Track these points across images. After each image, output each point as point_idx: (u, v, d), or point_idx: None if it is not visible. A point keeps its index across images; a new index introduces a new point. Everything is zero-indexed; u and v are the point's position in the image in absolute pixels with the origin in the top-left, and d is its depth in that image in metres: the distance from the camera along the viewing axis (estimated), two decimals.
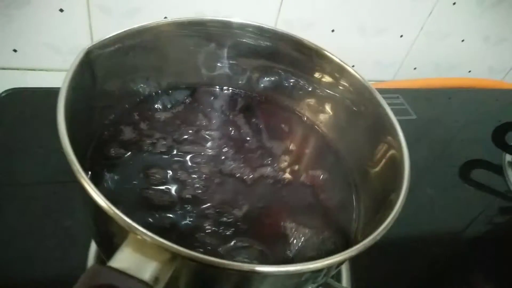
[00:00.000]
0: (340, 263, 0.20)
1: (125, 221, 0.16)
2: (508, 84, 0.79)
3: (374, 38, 0.64)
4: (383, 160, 0.27)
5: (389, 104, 0.59)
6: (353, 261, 0.37)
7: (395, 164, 0.25)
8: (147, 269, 0.16)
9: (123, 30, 0.26)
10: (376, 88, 0.65)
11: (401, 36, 0.65)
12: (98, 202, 0.17)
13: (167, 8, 0.52)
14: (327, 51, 0.29)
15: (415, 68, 0.72)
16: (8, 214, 0.34)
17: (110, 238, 0.19)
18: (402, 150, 0.25)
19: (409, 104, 0.60)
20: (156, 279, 0.16)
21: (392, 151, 0.26)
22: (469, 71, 0.77)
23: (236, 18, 0.29)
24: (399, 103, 0.59)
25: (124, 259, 0.16)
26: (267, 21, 0.57)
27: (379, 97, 0.28)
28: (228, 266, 0.16)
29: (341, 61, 0.29)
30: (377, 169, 0.27)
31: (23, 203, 0.35)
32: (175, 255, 0.16)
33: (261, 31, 0.29)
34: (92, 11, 0.50)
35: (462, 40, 0.70)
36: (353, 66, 0.69)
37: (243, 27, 0.28)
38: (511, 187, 0.52)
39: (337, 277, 0.35)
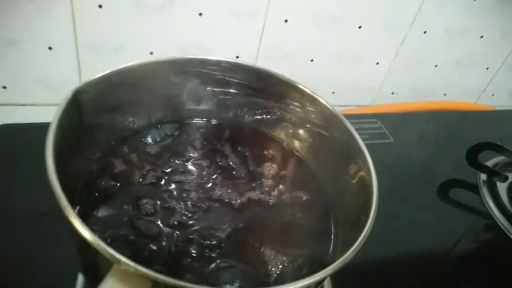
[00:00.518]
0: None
1: (108, 252, 0.18)
2: (482, 106, 0.83)
3: (352, 66, 0.68)
4: (355, 183, 0.29)
5: (367, 129, 0.62)
6: (337, 284, 0.38)
7: (365, 186, 0.27)
8: None
9: (109, 71, 0.28)
10: (355, 114, 0.68)
11: (377, 63, 0.69)
12: (83, 235, 0.18)
13: (151, 43, 0.54)
14: (299, 84, 0.32)
15: (392, 93, 0.75)
16: None
17: (96, 269, 0.20)
18: (370, 172, 0.27)
19: (386, 128, 0.63)
20: None
21: (361, 173, 0.28)
22: (445, 94, 0.81)
23: (214, 56, 0.31)
24: (377, 127, 0.62)
25: None
26: (249, 52, 0.60)
27: (347, 123, 0.30)
28: None
29: (312, 92, 0.31)
30: (350, 191, 0.29)
31: (12, 236, 0.36)
32: (156, 283, 0.18)
33: (237, 67, 0.31)
34: (80, 49, 0.52)
35: (436, 66, 0.74)
36: (333, 92, 0.73)
37: (219, 63, 0.31)
38: (486, 204, 0.54)
39: None
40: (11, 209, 0.38)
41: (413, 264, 0.46)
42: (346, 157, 0.30)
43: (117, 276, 0.18)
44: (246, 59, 0.60)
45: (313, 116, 0.32)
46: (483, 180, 0.57)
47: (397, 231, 0.48)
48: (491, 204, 0.54)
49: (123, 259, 0.18)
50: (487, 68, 0.79)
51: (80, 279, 0.32)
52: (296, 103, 0.33)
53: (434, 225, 0.51)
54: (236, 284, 0.24)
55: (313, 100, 0.31)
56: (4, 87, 0.52)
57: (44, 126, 0.23)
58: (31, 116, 0.52)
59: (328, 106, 0.31)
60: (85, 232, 0.18)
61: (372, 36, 0.64)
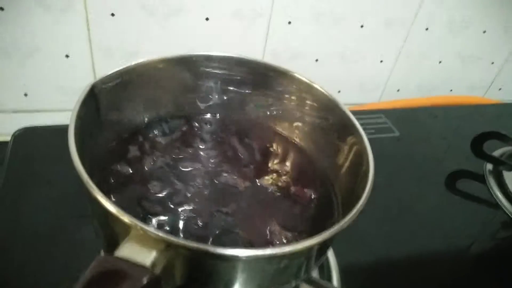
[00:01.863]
0: (309, 251, 0.23)
1: (128, 217, 0.20)
2: (489, 100, 0.83)
3: (356, 64, 0.69)
4: (351, 156, 0.30)
5: (373, 124, 0.63)
6: (346, 271, 0.40)
7: (360, 155, 0.28)
8: (146, 257, 0.19)
9: (121, 68, 0.30)
10: (360, 110, 0.69)
11: (381, 61, 0.71)
12: (103, 204, 0.20)
13: (162, 48, 0.57)
14: (295, 72, 0.34)
15: (398, 90, 0.77)
16: (17, 249, 0.37)
17: (116, 239, 0.22)
18: (364, 142, 0.28)
19: (392, 122, 0.64)
20: (154, 264, 0.19)
21: (356, 147, 0.30)
22: (451, 90, 0.81)
23: (216, 51, 0.33)
24: (382, 122, 0.63)
25: (127, 249, 0.20)
26: (255, 54, 0.63)
27: (341, 104, 0.32)
28: (211, 251, 0.19)
29: (309, 80, 0.33)
30: (346, 168, 0.31)
31: (33, 239, 0.38)
32: (168, 244, 0.20)
33: (239, 62, 0.33)
34: (95, 56, 0.55)
35: (440, 62, 0.75)
36: (339, 91, 0.74)
37: (222, 59, 0.33)
38: (493, 194, 0.54)
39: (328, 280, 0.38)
40: (35, 208, 0.41)
41: (424, 258, 0.46)
42: (342, 138, 0.32)
43: (135, 239, 0.20)
44: None
45: (310, 103, 0.34)
46: (489, 170, 0.58)
47: (406, 225, 0.49)
48: (498, 193, 0.54)
49: (140, 223, 0.20)
50: (492, 63, 0.79)
51: None
52: (294, 93, 0.35)
53: (443, 217, 0.51)
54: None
55: (310, 88, 0.33)
56: (26, 95, 0.56)
57: (62, 128, 0.25)
58: (50, 122, 0.55)
59: (324, 91, 0.33)
60: (105, 202, 0.20)
61: (374, 34, 0.66)
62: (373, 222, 0.48)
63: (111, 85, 0.30)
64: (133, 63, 0.30)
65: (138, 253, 0.19)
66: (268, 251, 0.20)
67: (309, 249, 0.21)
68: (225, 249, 0.20)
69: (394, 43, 0.69)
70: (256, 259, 0.21)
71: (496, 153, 0.60)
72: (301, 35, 0.63)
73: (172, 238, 0.20)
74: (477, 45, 0.75)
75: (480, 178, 0.57)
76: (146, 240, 0.20)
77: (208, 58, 0.33)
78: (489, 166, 0.58)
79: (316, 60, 0.67)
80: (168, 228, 0.27)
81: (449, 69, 0.77)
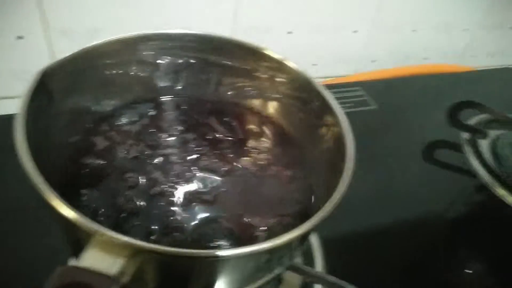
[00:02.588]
0: (293, 242, 0.21)
1: (85, 223, 0.18)
2: (463, 67, 0.83)
3: (330, 36, 0.67)
4: (328, 139, 0.29)
5: (350, 97, 0.62)
6: (328, 249, 0.39)
7: (339, 139, 0.27)
8: (112, 265, 0.17)
9: (76, 51, 0.27)
10: (337, 83, 0.67)
11: (355, 31, 0.69)
12: (58, 210, 0.18)
13: (125, 26, 0.53)
14: (265, 49, 0.32)
15: (373, 61, 0.76)
16: None
17: (80, 243, 0.20)
18: (341, 123, 0.27)
19: (369, 95, 0.63)
20: (122, 273, 0.18)
21: (334, 128, 0.28)
22: (425, 59, 0.81)
23: (179, 29, 0.30)
24: (359, 95, 0.62)
25: (89, 258, 0.18)
26: (224, 31, 0.60)
27: (314, 82, 0.30)
28: (185, 254, 0.18)
29: (280, 56, 0.31)
30: (326, 148, 0.30)
31: None
32: (136, 249, 0.18)
33: (205, 39, 0.31)
34: (52, 36, 0.51)
35: (414, 30, 0.74)
36: (314, 64, 0.72)
37: (184, 37, 0.30)
38: (469, 163, 0.55)
39: (309, 265, 0.37)
40: None
41: (405, 228, 0.46)
42: (318, 115, 0.30)
43: (98, 246, 0.18)
44: None
45: (284, 81, 0.32)
46: (466, 139, 0.58)
47: (385, 197, 0.49)
48: (474, 162, 0.54)
49: (100, 228, 0.18)
50: (465, 30, 0.79)
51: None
52: (266, 71, 0.33)
53: (421, 188, 0.52)
54: (219, 241, 0.24)
55: (281, 65, 0.31)
56: None
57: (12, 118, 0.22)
58: (6, 109, 0.51)
59: (295, 68, 0.31)
60: (62, 207, 0.18)
61: (347, 4, 0.64)
62: (353, 196, 0.47)
63: (66, 71, 0.27)
64: (87, 45, 0.27)
65: (102, 261, 0.17)
66: (247, 249, 0.19)
67: (290, 242, 0.20)
68: (200, 251, 0.18)
69: (368, 12, 0.67)
70: (236, 257, 0.19)
71: (472, 121, 0.60)
72: (272, 8, 0.60)
73: (139, 243, 0.18)
74: (449, 12, 0.74)
75: (457, 147, 0.57)
76: (112, 247, 0.18)
77: (170, 37, 0.30)
78: (466, 135, 0.58)
79: (289, 33, 0.64)
80: (142, 223, 0.25)
81: (423, 38, 0.76)
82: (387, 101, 0.64)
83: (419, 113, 0.64)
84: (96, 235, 0.18)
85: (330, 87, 0.62)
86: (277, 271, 0.26)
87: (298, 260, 0.34)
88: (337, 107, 0.28)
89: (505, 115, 0.57)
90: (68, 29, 0.51)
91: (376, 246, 0.44)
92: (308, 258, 0.38)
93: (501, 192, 0.51)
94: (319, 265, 0.37)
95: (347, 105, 0.59)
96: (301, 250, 0.28)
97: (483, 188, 0.52)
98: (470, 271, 0.45)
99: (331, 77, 0.73)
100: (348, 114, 0.59)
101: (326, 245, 0.39)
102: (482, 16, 0.78)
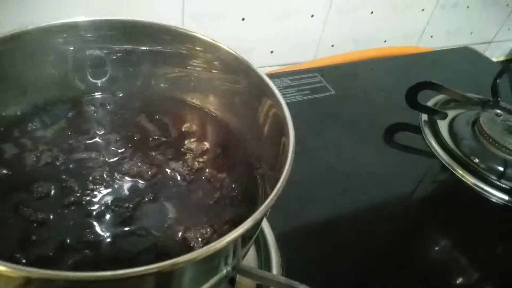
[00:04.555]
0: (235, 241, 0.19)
1: None
2: (422, 48, 0.83)
3: (286, 21, 0.65)
4: (269, 122, 0.27)
5: (307, 84, 0.60)
6: (286, 244, 0.37)
7: (279, 121, 0.25)
8: None
9: None
10: (294, 70, 0.65)
11: (312, 15, 0.67)
12: None
13: (53, 10, 0.48)
14: (196, 32, 0.29)
15: (332, 46, 0.74)
16: None
17: None
18: (282, 106, 0.25)
19: (327, 81, 0.61)
20: None
21: (273, 110, 0.26)
22: (385, 41, 0.80)
23: (98, 16, 0.27)
24: (317, 81, 0.60)
25: None
26: (173, 17, 0.56)
27: (252, 65, 0.28)
28: (87, 279, 0.15)
29: (212, 39, 0.29)
30: (266, 133, 0.27)
31: None
32: (27, 279, 0.15)
33: (130, 26, 0.28)
34: None
35: (371, 12, 0.73)
36: (271, 52, 0.70)
37: (107, 25, 0.27)
38: (429, 144, 0.54)
39: (266, 263, 0.35)
40: None
41: (368, 214, 0.45)
42: (256, 99, 0.28)
43: None
44: None
45: (219, 66, 0.29)
46: (425, 121, 0.57)
47: (347, 183, 0.48)
48: (433, 143, 0.54)
49: None
50: (423, 10, 0.78)
51: None
52: (200, 58, 0.30)
53: (383, 171, 0.51)
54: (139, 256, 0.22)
55: (215, 48, 0.28)
56: None
57: None
58: None
59: (231, 51, 0.28)
60: None
61: None
62: (313, 185, 0.46)
63: None
64: None
65: None
66: (153, 267, 0.16)
67: (219, 251, 0.18)
68: (102, 272, 0.15)
69: None
70: (157, 273, 0.17)
71: (430, 102, 0.59)
72: None
73: (27, 270, 0.15)
74: None
75: (417, 129, 0.57)
76: None
77: (82, 26, 0.26)
78: (424, 117, 0.57)
79: (243, 19, 0.61)
80: (50, 239, 0.22)
81: (382, 19, 0.75)
82: (346, 86, 0.63)
83: (378, 96, 0.63)
84: None
85: (287, 74, 0.60)
86: (224, 271, 0.24)
87: (250, 261, 0.32)
88: (273, 86, 0.26)
89: (463, 94, 0.57)
90: None
91: (340, 234, 0.43)
92: (264, 256, 0.36)
93: (460, 172, 0.50)
94: (275, 263, 0.35)
95: (305, 92, 0.57)
96: (247, 249, 0.25)
97: (443, 169, 0.52)
98: (436, 251, 0.45)
99: (289, 64, 0.70)
100: (306, 101, 0.57)
101: (283, 240, 0.38)
102: None
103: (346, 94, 0.61)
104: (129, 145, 0.28)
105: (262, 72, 0.27)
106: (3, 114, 0.26)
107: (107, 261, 0.21)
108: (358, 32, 0.75)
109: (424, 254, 0.44)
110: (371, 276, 0.40)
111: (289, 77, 0.60)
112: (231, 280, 0.33)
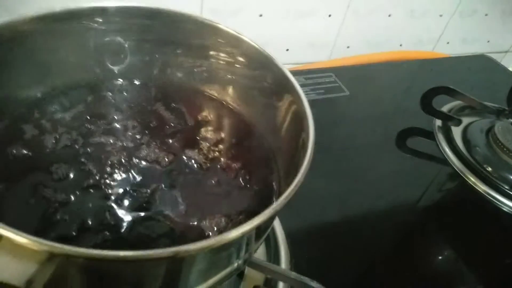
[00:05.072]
0: (247, 234, 0.19)
1: None
2: (438, 54, 0.82)
3: (304, 19, 0.65)
4: (288, 117, 0.27)
5: (322, 83, 0.60)
6: (296, 242, 0.37)
7: (299, 117, 0.25)
8: (20, 274, 0.15)
9: None
10: (309, 69, 0.65)
11: (330, 15, 0.66)
12: None
13: None
14: (220, 24, 0.29)
15: (348, 47, 0.73)
16: None
17: None
18: (303, 101, 0.25)
19: (342, 81, 0.61)
20: (31, 282, 0.15)
21: (294, 106, 0.26)
22: (400, 45, 0.79)
23: (112, 1, 0.27)
24: (331, 81, 0.60)
25: None
26: (191, 12, 0.56)
27: (275, 60, 0.27)
28: (108, 257, 0.15)
29: (236, 31, 0.28)
30: (284, 128, 0.27)
31: None
32: (50, 253, 0.15)
33: (152, 14, 0.28)
34: None
35: (389, 15, 0.72)
36: (287, 50, 0.69)
37: (126, 11, 0.27)
38: (442, 150, 0.54)
39: (275, 259, 0.35)
40: None
41: (378, 218, 0.45)
42: (279, 98, 0.28)
43: (3, 251, 0.15)
44: None
45: (241, 59, 0.29)
46: (439, 126, 0.57)
47: (358, 185, 0.48)
48: (446, 149, 0.54)
49: (3, 231, 0.15)
50: (441, 15, 0.78)
51: None
52: (222, 50, 0.30)
53: (394, 176, 0.50)
54: (157, 240, 0.22)
55: (237, 41, 0.28)
56: None
57: None
58: None
59: (255, 44, 0.28)
60: None
61: None
62: (324, 185, 0.46)
63: None
64: (11, 18, 0.23)
65: (7, 269, 0.15)
66: (172, 250, 0.16)
67: (233, 241, 0.18)
68: (124, 252, 0.15)
69: None
70: (157, 259, 0.16)
71: (445, 108, 0.59)
72: None
73: (51, 245, 0.15)
74: None
75: (430, 135, 0.56)
76: (19, 251, 0.15)
77: (107, 11, 0.26)
78: (438, 122, 0.57)
79: (260, 16, 0.61)
80: (70, 219, 0.22)
81: (398, 23, 0.75)
82: (361, 88, 0.62)
83: (392, 99, 0.63)
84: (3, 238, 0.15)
85: (302, 73, 0.60)
86: (235, 264, 0.24)
87: (260, 255, 0.32)
88: (296, 85, 0.26)
89: (479, 102, 0.56)
90: None
91: (349, 236, 0.42)
92: (274, 252, 0.36)
93: (472, 179, 0.50)
94: (284, 259, 0.35)
95: (319, 91, 0.57)
96: (259, 243, 0.25)
97: (455, 175, 0.51)
98: (444, 257, 0.44)
99: (304, 63, 0.70)
100: (320, 101, 0.57)
101: (293, 238, 0.37)
102: (457, 3, 0.76)
103: (360, 95, 0.60)
104: (146, 132, 0.28)
105: (285, 67, 0.27)
106: (25, 95, 0.26)
107: (125, 243, 0.21)
108: (374, 34, 0.74)
109: (432, 259, 0.44)
110: (377, 278, 0.40)
111: (304, 75, 0.59)
112: (240, 274, 0.33)
